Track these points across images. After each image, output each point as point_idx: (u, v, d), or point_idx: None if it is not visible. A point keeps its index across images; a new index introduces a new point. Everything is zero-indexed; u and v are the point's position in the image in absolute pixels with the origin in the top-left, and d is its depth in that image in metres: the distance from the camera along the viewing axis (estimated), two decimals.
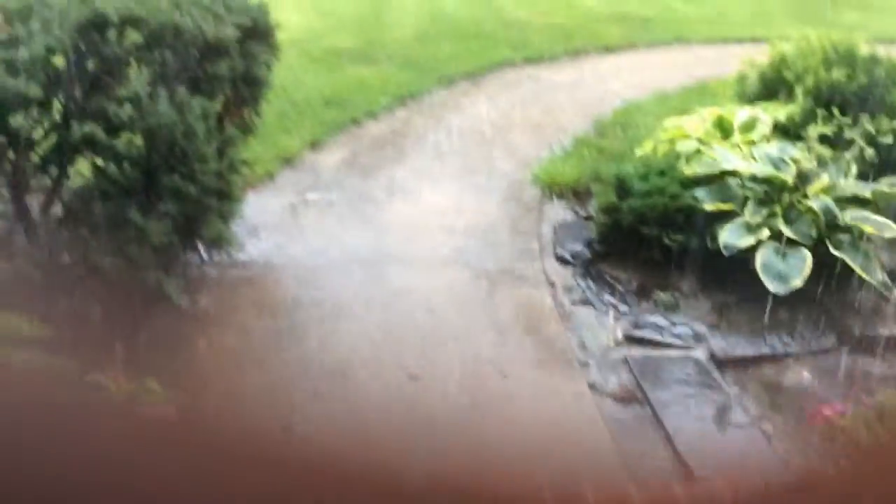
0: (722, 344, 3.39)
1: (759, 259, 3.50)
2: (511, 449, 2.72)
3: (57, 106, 2.86)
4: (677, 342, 3.40)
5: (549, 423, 2.90)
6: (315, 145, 5.05)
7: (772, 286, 3.41)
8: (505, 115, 5.88)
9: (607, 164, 4.68)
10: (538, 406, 2.96)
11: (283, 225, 4.09)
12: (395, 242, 4.03)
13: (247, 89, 3.62)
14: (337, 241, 4.00)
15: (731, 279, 3.65)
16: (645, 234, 3.82)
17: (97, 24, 2.88)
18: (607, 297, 3.67)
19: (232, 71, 3.34)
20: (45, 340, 2.34)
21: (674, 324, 3.50)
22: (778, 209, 3.70)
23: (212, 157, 2.93)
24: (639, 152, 4.54)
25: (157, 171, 2.83)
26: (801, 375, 3.24)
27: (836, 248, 3.52)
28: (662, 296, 3.66)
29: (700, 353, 3.34)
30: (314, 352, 3.17)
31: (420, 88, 6.13)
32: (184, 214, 2.91)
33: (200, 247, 3.30)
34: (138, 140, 2.79)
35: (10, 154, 2.81)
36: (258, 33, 3.73)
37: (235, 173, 3.23)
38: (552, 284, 3.74)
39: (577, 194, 4.56)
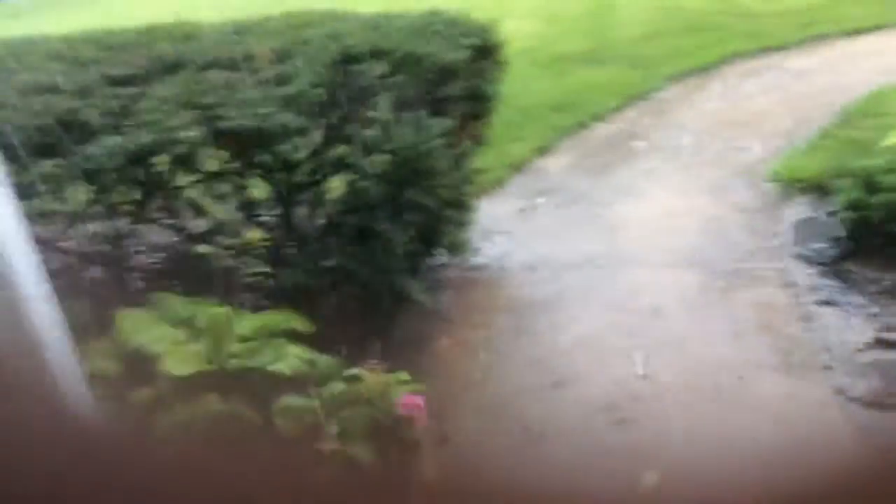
0: None
1: None
2: (750, 457, 2.68)
3: (317, 132, 3.24)
4: None
5: (790, 429, 2.81)
6: (543, 150, 5.21)
7: None
8: (739, 109, 5.69)
9: (853, 156, 4.40)
10: (778, 411, 2.88)
11: (514, 229, 4.29)
12: (626, 243, 4.07)
13: (478, 105, 3.85)
14: (566, 244, 4.12)
15: None
16: (894, 232, 3.56)
17: (349, 59, 3.23)
18: (854, 298, 3.47)
19: (464, 90, 3.58)
20: (311, 336, 2.69)
21: None
22: None
23: (448, 171, 3.17)
24: (887, 143, 4.22)
25: (401, 186, 3.12)
26: None
27: None
28: None
29: None
30: (547, 350, 3.32)
31: (649, 87, 6.10)
32: (425, 224, 3.18)
33: (440, 252, 3.57)
34: (385, 159, 3.09)
35: (281, 175, 3.23)
36: (487, 52, 3.95)
37: (469, 184, 3.46)
38: (793, 284, 3.60)
39: (820, 189, 4.33)
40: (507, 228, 4.29)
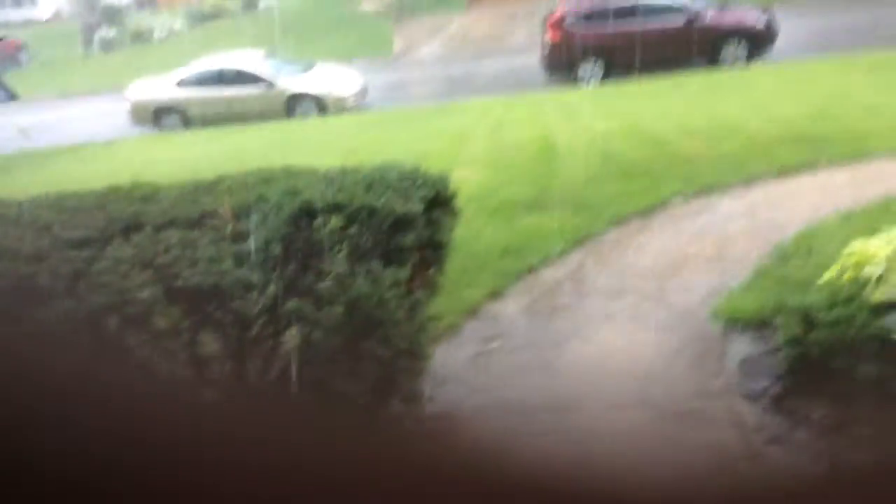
0: None
1: None
2: None
3: (272, 286, 3.31)
4: None
5: None
6: (495, 295, 5.34)
7: None
8: (679, 250, 5.94)
9: (791, 293, 4.60)
10: None
11: (469, 375, 4.34)
12: (576, 386, 4.15)
13: (432, 253, 4.00)
14: (519, 388, 4.18)
15: None
16: (835, 367, 3.70)
17: (306, 214, 3.36)
18: (801, 435, 3.56)
19: (418, 240, 3.73)
20: None
21: (879, 462, 3.31)
22: None
23: (402, 321, 3.25)
24: (823, 280, 4.44)
25: (355, 337, 3.18)
26: None
27: None
28: (862, 430, 3.49)
29: None
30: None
31: (592, 230, 6.35)
32: (379, 375, 3.23)
33: (394, 403, 3.59)
34: (339, 311, 3.17)
35: (232, 331, 3.27)
36: (441, 202, 4.15)
37: (424, 332, 3.54)
38: (740, 423, 3.68)
39: (759, 327, 4.49)
40: (461, 375, 4.34)
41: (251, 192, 3.69)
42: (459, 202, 4.99)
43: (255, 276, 3.04)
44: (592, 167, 8.44)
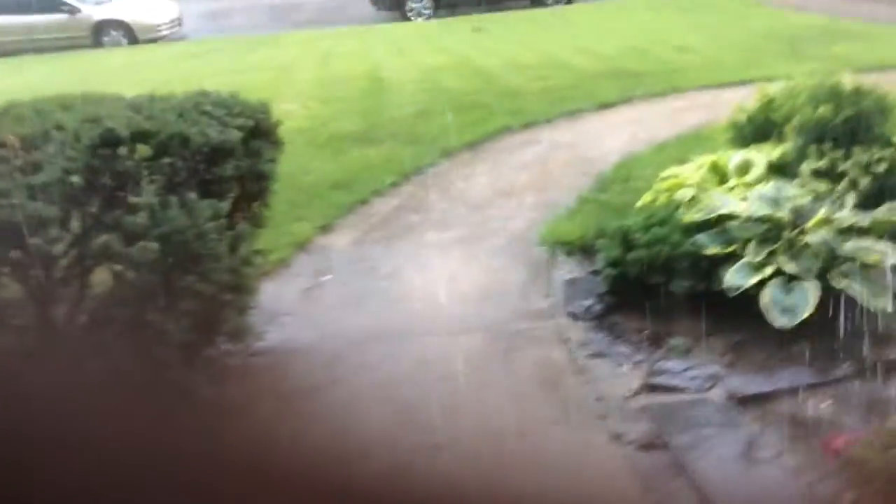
0: (738, 383, 3.43)
1: (765, 297, 3.56)
2: None
3: (75, 222, 3.02)
4: (694, 385, 3.44)
5: (572, 478, 2.93)
6: (326, 228, 5.22)
7: (778, 321, 3.46)
8: (507, 180, 6.04)
9: (611, 218, 4.79)
10: (560, 462, 3.00)
11: (300, 309, 4.22)
12: (410, 315, 4.14)
13: (254, 185, 3.80)
14: (353, 320, 4.12)
15: (740, 320, 3.70)
16: (652, 284, 3.91)
17: (109, 142, 3.07)
18: (621, 348, 3.74)
19: (238, 170, 3.52)
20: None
21: (689, 368, 3.55)
22: (779, 247, 3.77)
23: (224, 255, 3.07)
24: (639, 204, 4.66)
25: (173, 273, 2.98)
26: (819, 406, 3.26)
27: (841, 279, 3.58)
28: (674, 341, 3.71)
29: (717, 394, 3.38)
30: (338, 431, 3.25)
31: (423, 163, 6.33)
32: (202, 312, 3.04)
33: (221, 340, 3.42)
34: (153, 246, 2.94)
35: (34, 272, 2.97)
36: (261, 132, 3.93)
37: (249, 266, 3.37)
38: (566, 340, 3.81)
39: (583, 250, 4.66)
40: (292, 309, 4.21)
41: (46, 120, 3.33)
42: (287, 137, 4.78)
43: (54, 211, 2.75)
44: (422, 101, 8.40)
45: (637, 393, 3.40)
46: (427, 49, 12.21)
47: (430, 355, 3.77)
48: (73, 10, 14.74)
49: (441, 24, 14.55)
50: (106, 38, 14.70)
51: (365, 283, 4.52)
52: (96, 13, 14.85)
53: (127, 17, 14.85)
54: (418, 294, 4.35)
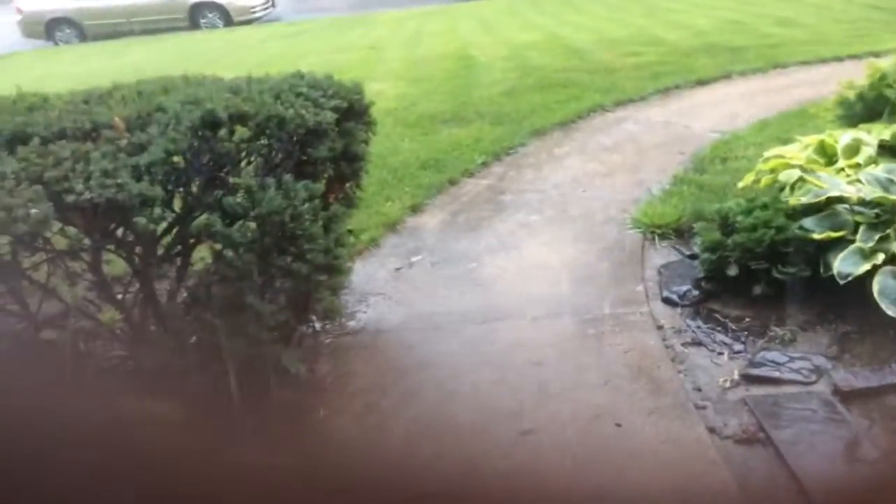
0: (845, 376, 3.27)
1: (877, 285, 3.37)
2: (630, 500, 2.70)
3: (178, 201, 3.10)
4: (798, 378, 3.29)
5: (667, 471, 2.86)
6: (416, 209, 5.22)
7: (891, 311, 3.27)
8: (599, 160, 5.91)
9: (709, 200, 4.64)
10: (655, 454, 2.92)
11: (390, 290, 4.24)
12: (500, 298, 4.10)
13: (347, 166, 3.82)
14: (442, 302, 4.11)
15: (849, 309, 3.53)
16: (754, 270, 3.76)
17: (209, 124, 3.13)
18: (720, 337, 3.61)
19: (332, 151, 3.54)
20: (179, 421, 2.53)
21: (792, 359, 3.40)
22: (892, 232, 3.57)
23: (319, 236, 3.10)
24: (740, 185, 4.49)
25: (270, 253, 3.02)
26: None
27: None
28: (778, 331, 3.56)
29: (822, 388, 3.23)
30: (428, 413, 3.26)
31: (513, 142, 6.26)
32: (296, 291, 3.09)
33: (314, 319, 3.47)
34: (252, 226, 2.99)
35: (138, 249, 3.06)
36: (355, 113, 3.93)
37: (342, 247, 3.39)
38: (661, 327, 3.71)
39: (679, 234, 4.53)
40: (383, 290, 4.24)
41: (149, 102, 3.42)
42: (377, 117, 4.78)
43: (155, 191, 2.81)
44: (511, 79, 8.30)
45: (736, 384, 3.28)
46: (515, 25, 12.05)
47: (520, 339, 3.73)
48: None
49: (529, 1, 14.33)
50: (202, 20, 15.10)
51: (455, 265, 4.51)
52: None
53: (222, 0, 15.20)
54: (509, 276, 4.30)
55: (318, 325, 3.72)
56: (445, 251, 4.67)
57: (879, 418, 3.06)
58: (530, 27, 11.67)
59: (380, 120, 5.23)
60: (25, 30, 15.27)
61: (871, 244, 3.54)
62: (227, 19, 15.07)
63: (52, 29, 15.20)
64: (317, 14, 15.61)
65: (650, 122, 6.64)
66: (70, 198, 2.62)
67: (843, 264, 3.50)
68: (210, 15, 15.15)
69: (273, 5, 15.84)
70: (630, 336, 3.65)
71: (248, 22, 15.04)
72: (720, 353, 3.48)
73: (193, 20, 15.13)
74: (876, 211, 3.71)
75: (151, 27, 14.84)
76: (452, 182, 5.59)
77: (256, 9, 15.33)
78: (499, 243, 4.70)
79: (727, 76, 7.68)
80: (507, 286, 4.20)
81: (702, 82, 7.58)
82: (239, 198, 3.01)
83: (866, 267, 3.45)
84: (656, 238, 4.50)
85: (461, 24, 12.72)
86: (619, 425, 3.07)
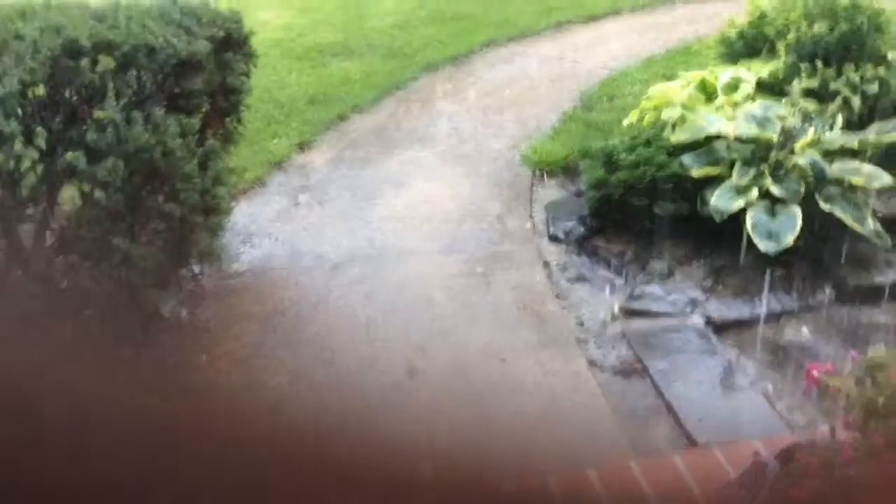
0: (718, 308, 3.41)
1: (750, 220, 3.50)
2: (513, 433, 2.76)
3: (40, 136, 2.88)
4: (673, 310, 3.42)
5: (549, 403, 2.93)
6: (304, 146, 5.07)
7: (763, 246, 3.41)
8: (491, 95, 5.87)
9: (595, 137, 4.68)
10: (539, 387, 2.99)
11: (277, 230, 4.13)
12: (390, 236, 4.06)
13: (225, 100, 3.65)
14: (331, 241, 4.03)
15: (724, 243, 3.66)
16: (635, 206, 3.83)
17: (70, 53, 2.91)
18: (602, 272, 3.70)
19: (208, 84, 3.37)
20: (45, 369, 2.40)
21: (669, 292, 3.52)
22: (766, 169, 3.69)
23: (194, 174, 2.96)
24: (625, 123, 4.54)
25: (141, 193, 2.87)
26: (800, 332, 3.25)
27: (826, 202, 3.52)
28: (656, 265, 3.67)
29: (697, 320, 3.36)
30: (314, 354, 3.22)
31: (404, 77, 6.13)
32: (171, 232, 2.95)
33: (193, 262, 3.34)
34: (120, 164, 2.82)
35: None
36: (232, 43, 3.74)
37: (221, 185, 3.26)
38: (547, 264, 3.76)
39: (566, 171, 4.56)
40: (268, 230, 4.12)
41: (4, 30, 3.14)
42: (262, 48, 4.57)
43: (13, 126, 2.61)
44: (404, 11, 8.09)
45: (617, 318, 3.37)
46: None
47: (408, 279, 3.71)
48: None
49: None
50: None
51: (344, 203, 4.42)
52: None
53: None
54: (397, 214, 4.26)
55: (197, 269, 3.59)
56: (334, 189, 4.57)
57: (750, 348, 3.22)
58: None
59: (266, 51, 5.02)
60: None
61: (745, 180, 3.66)
62: None
63: None
64: None
65: (543, 58, 6.62)
66: None
67: (719, 200, 3.61)
68: None
69: None
70: (516, 273, 3.69)
71: None
72: (602, 289, 3.56)
73: None
74: (751, 148, 3.83)
75: None
76: (342, 118, 5.45)
77: None
78: (389, 181, 4.63)
79: (618, 12, 7.71)
80: (397, 225, 4.16)
81: (593, 18, 7.58)
82: (105, 133, 2.83)
83: (740, 203, 3.58)
84: (545, 175, 4.53)
85: None
86: (503, 360, 3.11)
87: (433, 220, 4.18)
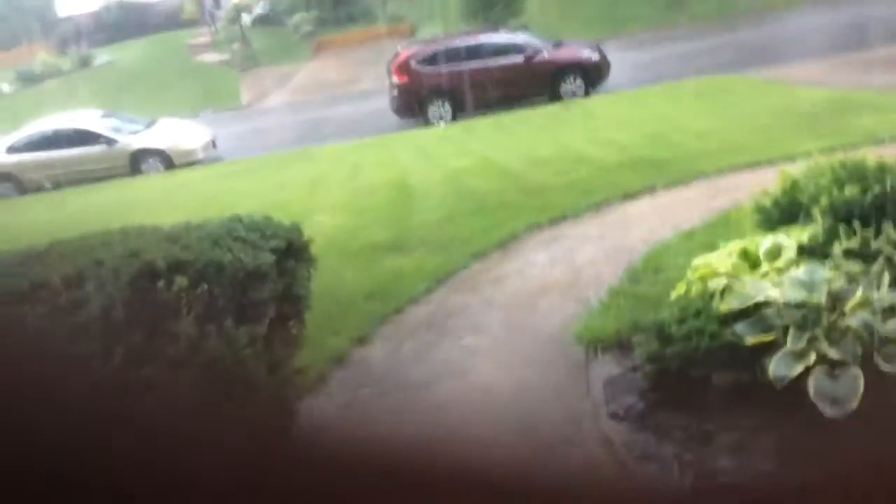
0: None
1: (812, 387, 3.48)
2: None
3: (118, 356, 3.08)
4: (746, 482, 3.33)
5: None
6: (362, 340, 5.24)
7: (829, 411, 3.37)
8: (538, 278, 6.06)
9: (645, 311, 4.76)
10: None
11: (340, 424, 4.20)
12: (450, 424, 4.10)
13: (289, 306, 3.87)
14: (394, 432, 4.08)
15: (788, 409, 3.60)
16: (694, 377, 3.84)
17: (147, 275, 3.16)
18: (668, 448, 3.65)
19: (273, 293, 3.60)
20: None
21: (741, 466, 3.44)
22: (820, 332, 3.71)
23: (262, 382, 3.10)
24: (674, 296, 4.63)
25: (214, 400, 3.00)
26: None
27: (886, 361, 3.50)
28: (724, 438, 3.62)
29: None
30: None
31: (454, 267, 6.38)
32: (243, 439, 3.05)
33: None
34: (192, 373, 2.98)
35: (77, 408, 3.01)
36: (294, 252, 4.03)
37: (287, 389, 3.39)
38: (609, 443, 3.73)
39: (620, 346, 4.61)
40: (332, 425, 4.20)
41: (86, 258, 3.45)
42: (318, 249, 4.87)
43: (94, 347, 2.81)
44: (449, 205, 8.53)
45: (689, 498, 3.30)
46: (451, 152, 12.48)
47: (472, 467, 3.70)
48: (110, 142, 15.37)
49: (462, 126, 14.90)
50: (143, 166, 15.25)
51: (402, 394, 4.51)
52: (133, 143, 15.45)
53: (163, 145, 15.42)
54: (454, 402, 4.31)
55: None
56: (393, 381, 4.68)
57: None
58: (464, 153, 12.10)
59: (322, 252, 5.33)
60: None
61: (801, 345, 3.67)
62: (169, 163, 15.26)
63: None
64: (258, 152, 15.93)
65: (584, 238, 6.86)
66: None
67: (778, 367, 3.61)
68: (151, 160, 15.34)
69: (214, 146, 16.12)
70: (579, 453, 3.66)
71: (190, 164, 15.25)
72: (670, 466, 3.50)
73: (134, 167, 15.28)
74: (802, 312, 3.86)
75: (92, 176, 14.92)
76: (397, 310, 5.65)
77: (198, 151, 15.57)
78: (446, 369, 4.72)
79: (652, 189, 8.02)
80: (454, 411, 4.21)
81: (629, 196, 7.89)
82: (180, 347, 3.02)
83: (799, 369, 3.57)
84: (599, 352, 4.58)
85: (399, 154, 13.12)
86: None
87: (489, 406, 4.21)
